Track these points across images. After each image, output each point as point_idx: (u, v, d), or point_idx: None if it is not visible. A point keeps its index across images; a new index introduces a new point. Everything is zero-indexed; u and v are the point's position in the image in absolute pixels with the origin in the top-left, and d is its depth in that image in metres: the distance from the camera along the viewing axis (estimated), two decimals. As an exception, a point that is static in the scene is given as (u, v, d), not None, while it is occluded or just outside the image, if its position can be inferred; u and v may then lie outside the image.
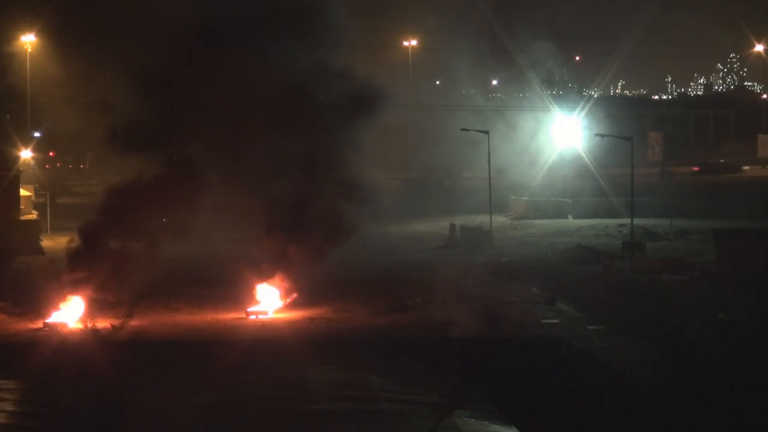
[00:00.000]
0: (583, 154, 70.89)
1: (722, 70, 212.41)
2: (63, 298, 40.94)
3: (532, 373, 32.34)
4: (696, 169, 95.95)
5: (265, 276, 43.11)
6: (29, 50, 70.12)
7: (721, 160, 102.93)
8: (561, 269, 54.08)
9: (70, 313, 40.55)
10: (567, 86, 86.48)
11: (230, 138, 42.82)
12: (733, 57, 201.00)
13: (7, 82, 65.47)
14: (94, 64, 46.25)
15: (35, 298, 43.07)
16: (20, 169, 64.93)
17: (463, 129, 65.84)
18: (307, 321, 41.29)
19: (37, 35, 69.49)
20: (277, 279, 43.25)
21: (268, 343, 36.69)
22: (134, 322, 39.97)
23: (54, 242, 64.19)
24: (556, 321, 41.57)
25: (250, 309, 42.29)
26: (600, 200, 74.99)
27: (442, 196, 74.60)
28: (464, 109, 73.52)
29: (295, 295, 43.50)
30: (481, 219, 68.26)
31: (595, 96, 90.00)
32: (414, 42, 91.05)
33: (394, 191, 68.84)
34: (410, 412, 26.33)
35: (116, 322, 39.64)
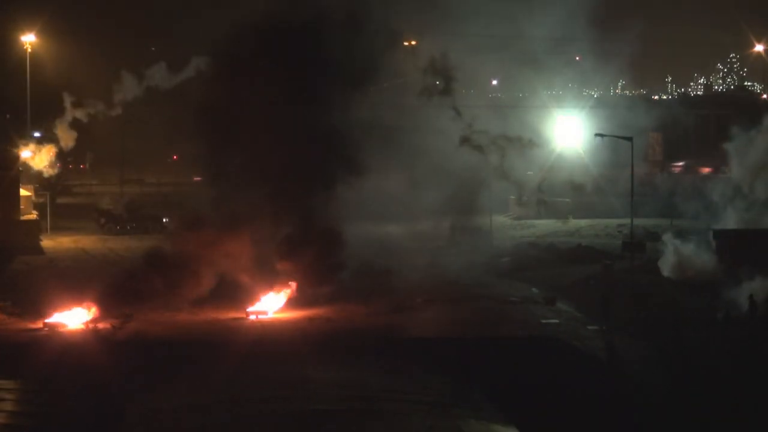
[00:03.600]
0: (583, 154, 70.84)
1: (722, 70, 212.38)
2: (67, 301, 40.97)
3: (532, 373, 32.33)
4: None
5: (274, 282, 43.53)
6: (29, 50, 70.14)
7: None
8: (561, 269, 54.11)
9: (71, 313, 40.53)
10: (567, 86, 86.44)
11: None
12: (733, 57, 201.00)
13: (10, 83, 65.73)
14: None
15: (35, 298, 43.06)
16: (20, 168, 64.97)
17: (463, 129, 65.67)
18: (307, 321, 41.28)
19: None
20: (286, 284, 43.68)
21: (268, 343, 36.69)
22: (134, 323, 40.01)
23: (54, 242, 64.23)
24: (556, 321, 41.56)
25: (250, 309, 42.30)
26: (600, 200, 74.94)
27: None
28: (464, 108, 73.42)
29: (291, 294, 43.68)
30: (481, 219, 68.22)
31: (595, 96, 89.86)
32: (414, 42, 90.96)
33: (394, 191, 68.75)
34: (410, 412, 26.34)
35: (116, 322, 39.67)
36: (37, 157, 66.22)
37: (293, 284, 44.17)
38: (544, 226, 72.74)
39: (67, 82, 66.77)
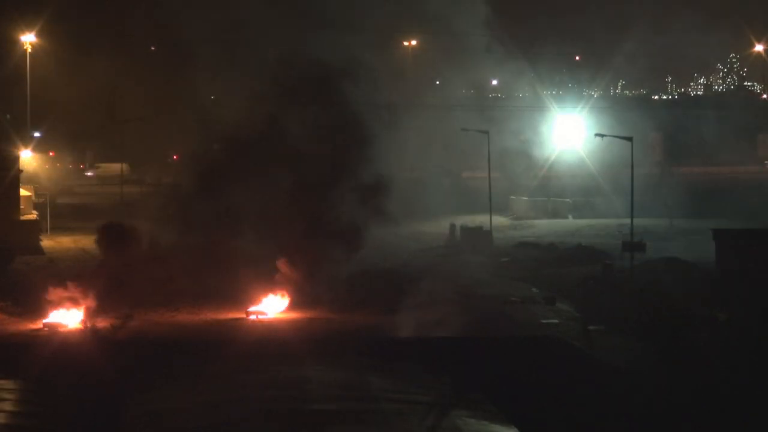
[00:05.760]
0: (583, 154, 70.90)
1: (722, 70, 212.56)
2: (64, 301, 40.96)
3: (532, 373, 32.31)
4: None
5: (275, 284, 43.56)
6: (29, 50, 70.18)
7: None
8: (561, 269, 54.08)
9: (70, 313, 40.52)
10: (567, 86, 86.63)
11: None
12: (733, 57, 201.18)
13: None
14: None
15: (35, 298, 43.03)
16: (20, 168, 64.93)
17: (463, 129, 65.86)
18: (307, 321, 41.29)
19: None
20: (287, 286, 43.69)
21: (268, 343, 36.68)
22: (134, 322, 40.01)
23: (54, 242, 64.22)
24: (556, 321, 41.56)
25: (250, 309, 42.29)
26: (600, 200, 74.95)
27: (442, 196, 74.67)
28: (464, 109, 73.53)
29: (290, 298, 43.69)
30: (481, 219, 68.24)
31: (595, 96, 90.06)
32: (414, 42, 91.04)
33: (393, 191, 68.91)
34: (410, 412, 26.29)
35: (116, 322, 39.68)
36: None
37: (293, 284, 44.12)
38: (544, 226, 72.74)
39: (67, 81, 66.79)
